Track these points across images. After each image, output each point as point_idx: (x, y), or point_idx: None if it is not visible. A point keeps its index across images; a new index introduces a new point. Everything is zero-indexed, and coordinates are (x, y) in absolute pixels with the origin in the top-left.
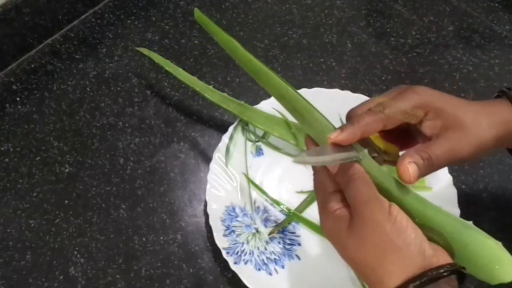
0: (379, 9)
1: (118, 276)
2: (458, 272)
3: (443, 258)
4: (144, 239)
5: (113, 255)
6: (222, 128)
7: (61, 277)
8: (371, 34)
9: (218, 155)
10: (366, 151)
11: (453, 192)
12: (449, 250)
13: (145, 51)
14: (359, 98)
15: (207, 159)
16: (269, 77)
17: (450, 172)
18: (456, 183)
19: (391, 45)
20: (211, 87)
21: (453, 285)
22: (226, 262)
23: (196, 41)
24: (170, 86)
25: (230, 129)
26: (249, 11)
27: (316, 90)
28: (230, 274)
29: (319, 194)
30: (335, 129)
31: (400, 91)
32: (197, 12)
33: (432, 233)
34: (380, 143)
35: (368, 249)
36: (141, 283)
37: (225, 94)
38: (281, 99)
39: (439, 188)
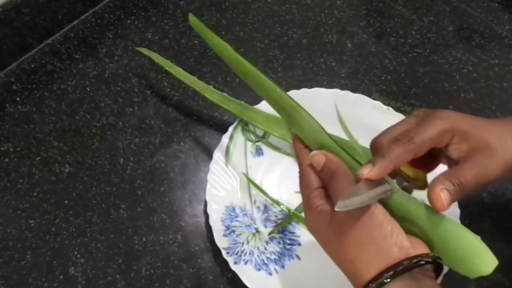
0: (379, 9)
1: (118, 276)
2: (434, 263)
3: (420, 250)
4: (144, 239)
5: (113, 255)
6: (222, 128)
7: (61, 277)
8: (371, 34)
9: (218, 155)
10: (395, 181)
11: None
12: (429, 243)
13: (145, 51)
14: (359, 98)
15: (207, 159)
16: (258, 77)
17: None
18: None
19: (391, 45)
20: (211, 87)
21: (429, 276)
22: (226, 262)
23: (196, 41)
24: (170, 86)
25: (230, 129)
26: (249, 11)
27: (316, 90)
28: (230, 274)
29: (304, 190)
30: (322, 128)
31: (423, 117)
32: (192, 17)
33: (413, 226)
34: (408, 170)
35: (347, 242)
36: (141, 283)
37: (225, 94)
38: (270, 99)
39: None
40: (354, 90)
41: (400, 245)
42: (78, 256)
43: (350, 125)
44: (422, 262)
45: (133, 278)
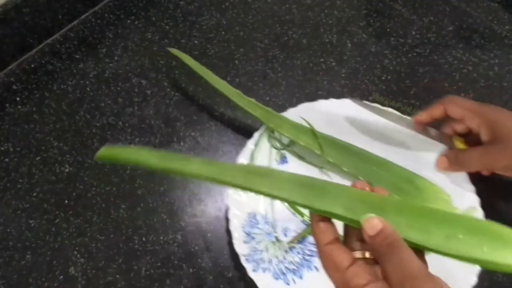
0: (379, 9)
1: (118, 276)
2: None
3: None
4: (144, 239)
5: (113, 255)
6: (222, 127)
7: (61, 277)
8: (371, 34)
9: (241, 161)
10: None
11: (479, 213)
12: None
13: (175, 51)
14: (390, 113)
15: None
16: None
17: (478, 193)
18: (483, 205)
19: (391, 45)
20: (239, 91)
21: None
22: (226, 262)
23: (196, 41)
24: (170, 86)
25: (256, 135)
26: (249, 11)
27: (345, 101)
28: (230, 274)
29: (333, 273)
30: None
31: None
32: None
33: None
34: (461, 144)
35: None
36: (141, 283)
37: (252, 100)
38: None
39: (465, 209)
40: (354, 90)
41: None
42: (78, 256)
43: (374, 136)
44: None
45: (133, 278)
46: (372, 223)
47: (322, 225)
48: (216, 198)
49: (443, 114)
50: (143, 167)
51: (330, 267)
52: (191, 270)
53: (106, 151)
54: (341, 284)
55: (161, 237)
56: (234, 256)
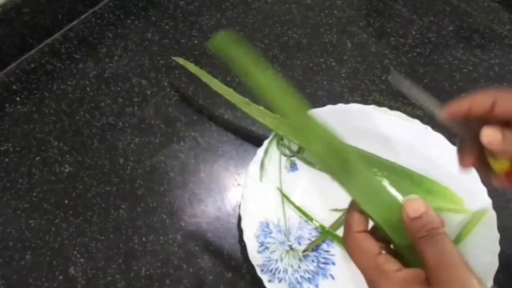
0: (379, 9)
1: (118, 276)
2: None
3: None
4: (144, 239)
5: (113, 255)
6: (222, 128)
7: (61, 277)
8: (371, 34)
9: (252, 169)
10: None
11: (492, 215)
12: None
13: (181, 60)
14: (396, 116)
15: (207, 159)
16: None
17: (490, 195)
18: (495, 206)
19: (391, 45)
20: (247, 99)
21: None
22: (226, 262)
23: (196, 41)
24: (170, 86)
25: (265, 143)
26: (249, 11)
27: (352, 105)
28: (230, 274)
29: (361, 257)
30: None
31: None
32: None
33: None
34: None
35: None
36: (141, 283)
37: (261, 107)
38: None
39: (478, 211)
40: (354, 90)
41: None
42: (78, 256)
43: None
44: None
45: (133, 278)
46: (415, 205)
47: (357, 215)
48: (216, 198)
49: (487, 111)
50: (243, 71)
51: (357, 252)
52: (191, 270)
53: (222, 38)
54: (372, 268)
55: (161, 237)
56: (234, 256)
